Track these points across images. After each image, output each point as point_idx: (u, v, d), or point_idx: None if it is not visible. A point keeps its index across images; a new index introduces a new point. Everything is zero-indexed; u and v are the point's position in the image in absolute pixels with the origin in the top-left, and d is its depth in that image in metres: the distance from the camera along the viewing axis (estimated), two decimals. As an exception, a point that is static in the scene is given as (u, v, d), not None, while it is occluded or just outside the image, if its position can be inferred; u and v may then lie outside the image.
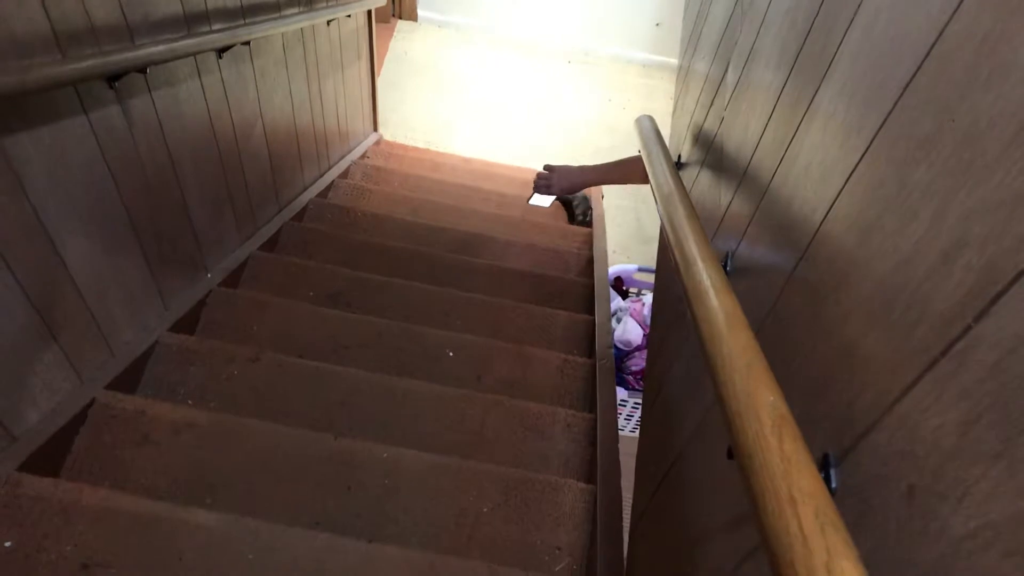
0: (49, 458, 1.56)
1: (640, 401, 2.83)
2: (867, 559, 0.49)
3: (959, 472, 0.45)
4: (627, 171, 2.60)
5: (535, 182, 2.75)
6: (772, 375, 0.65)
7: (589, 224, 3.72)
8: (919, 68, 0.63)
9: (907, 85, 0.64)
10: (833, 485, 0.61)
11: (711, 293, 0.80)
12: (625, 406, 2.92)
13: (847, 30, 0.83)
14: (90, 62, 1.42)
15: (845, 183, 0.72)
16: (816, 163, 0.83)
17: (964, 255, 0.50)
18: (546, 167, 2.87)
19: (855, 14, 0.81)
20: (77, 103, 1.49)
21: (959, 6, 0.58)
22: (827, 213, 0.76)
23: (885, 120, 0.67)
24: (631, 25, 5.88)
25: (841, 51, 0.84)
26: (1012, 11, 0.50)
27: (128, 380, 1.81)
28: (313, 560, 1.42)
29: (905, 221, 0.59)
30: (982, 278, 0.47)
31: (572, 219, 3.77)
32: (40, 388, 1.55)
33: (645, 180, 2.48)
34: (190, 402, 1.87)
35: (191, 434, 1.68)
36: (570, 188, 2.82)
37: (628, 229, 4.53)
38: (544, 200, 2.75)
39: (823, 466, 0.63)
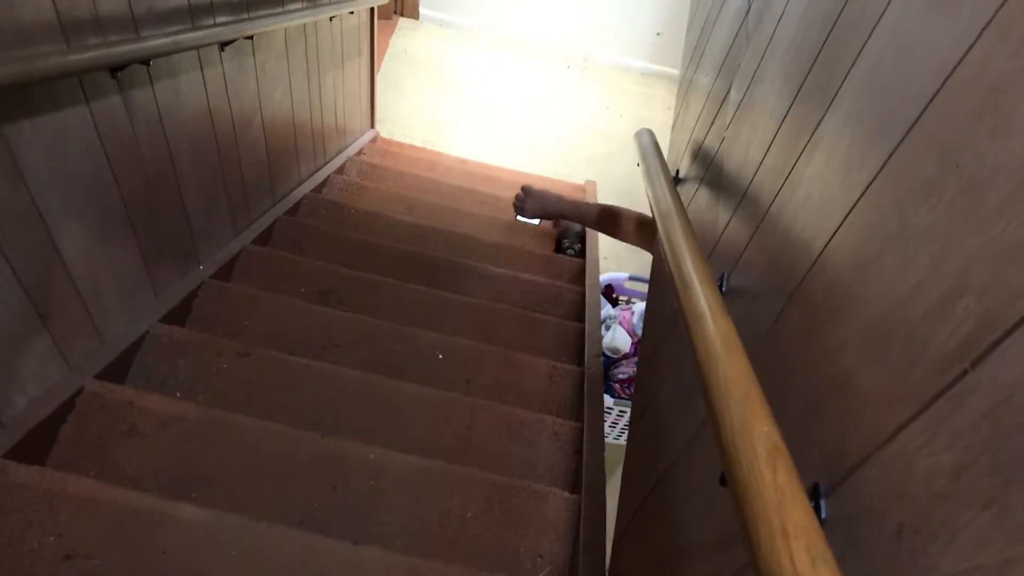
0: (35, 446, 1.56)
1: (625, 409, 2.84)
2: (855, 593, 0.51)
3: (949, 515, 0.47)
4: (612, 221, 2.56)
5: (513, 202, 2.76)
6: (767, 405, 0.66)
7: (578, 255, 3.46)
8: (924, 110, 0.64)
9: (912, 126, 0.65)
10: (823, 515, 0.63)
11: (708, 317, 0.81)
12: (611, 413, 2.93)
13: (853, 64, 0.84)
14: (95, 53, 1.42)
15: (845, 217, 0.73)
16: (817, 194, 0.84)
17: (963, 300, 0.51)
18: (524, 188, 2.86)
19: (862, 48, 0.82)
20: (79, 92, 1.49)
21: (967, 53, 0.59)
22: (826, 244, 0.77)
23: (888, 158, 0.68)
24: (632, 33, 5.90)
25: (846, 85, 0.85)
26: (1018, 67, 0.52)
27: (117, 370, 1.81)
28: (297, 560, 1.42)
29: (905, 261, 0.60)
30: (980, 325, 0.48)
31: (558, 248, 3.47)
32: (29, 375, 1.54)
33: (639, 242, 2.47)
34: (179, 394, 1.87)
35: (179, 427, 1.68)
36: (542, 214, 2.86)
37: (620, 237, 4.55)
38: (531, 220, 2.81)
39: (813, 495, 0.64)
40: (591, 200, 4.13)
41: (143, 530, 1.41)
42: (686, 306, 0.88)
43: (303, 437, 1.71)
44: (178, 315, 2.09)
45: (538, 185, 2.96)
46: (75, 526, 1.39)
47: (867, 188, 0.71)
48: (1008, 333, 0.45)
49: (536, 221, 2.88)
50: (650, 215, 1.40)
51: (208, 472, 1.64)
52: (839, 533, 0.60)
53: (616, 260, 4.23)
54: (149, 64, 1.68)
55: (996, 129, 0.52)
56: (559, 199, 2.69)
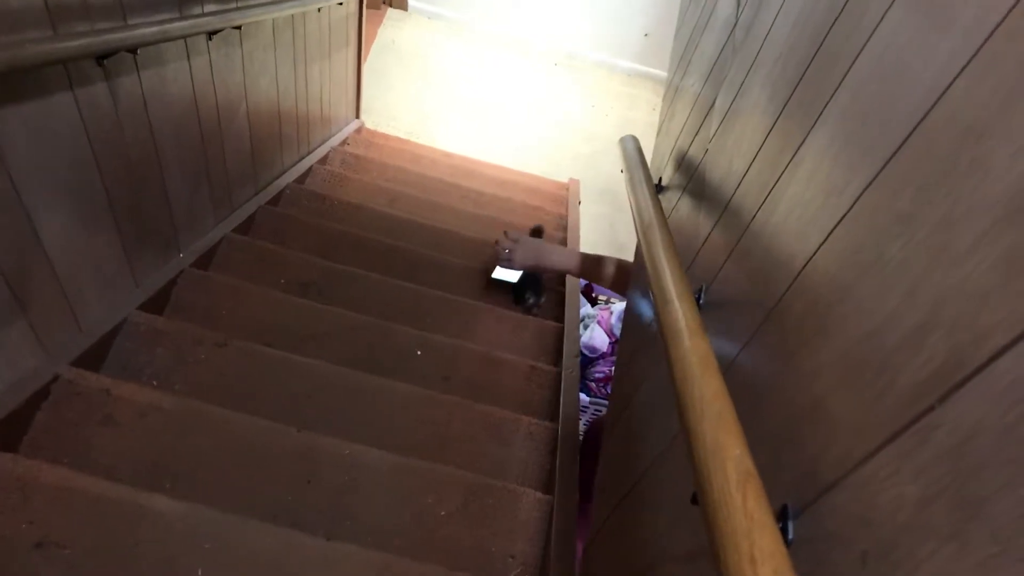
0: (9, 433, 1.55)
1: (601, 407, 2.86)
2: (819, 617, 0.52)
3: (912, 546, 0.48)
4: (595, 270, 2.41)
5: (497, 251, 2.51)
6: (740, 426, 0.67)
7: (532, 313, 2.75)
8: (904, 142, 0.65)
9: (892, 156, 0.67)
10: (790, 536, 0.64)
11: (685, 334, 0.82)
12: (586, 411, 2.95)
13: (838, 87, 0.85)
14: (82, 41, 1.41)
15: (824, 241, 0.75)
16: (797, 215, 0.86)
17: (933, 336, 0.52)
18: (508, 234, 2.60)
19: (847, 72, 0.84)
20: (65, 79, 1.48)
21: (946, 91, 0.61)
22: (804, 266, 0.78)
23: (867, 186, 0.69)
24: (619, 33, 5.91)
25: (830, 107, 0.86)
26: (994, 112, 0.53)
27: (94, 357, 1.80)
28: (270, 554, 1.43)
29: (880, 291, 0.61)
30: (948, 362, 0.50)
31: (518, 301, 2.75)
32: (4, 361, 1.53)
33: (620, 289, 2.39)
34: (155, 383, 1.86)
35: (155, 417, 1.67)
36: (535, 267, 2.57)
37: (602, 236, 4.57)
38: (511, 275, 2.49)
39: (782, 516, 0.65)
40: (573, 200, 4.14)
41: (116, 520, 1.41)
42: (664, 322, 0.89)
43: (279, 430, 1.71)
44: (157, 303, 2.08)
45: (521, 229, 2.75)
46: (48, 514, 1.39)
47: (846, 214, 0.72)
48: (975, 373, 0.47)
49: (515, 277, 2.53)
50: (629, 260, 1.39)
51: (183, 463, 1.63)
52: (805, 555, 0.61)
53: (597, 259, 4.24)
54: (136, 52, 1.67)
55: (969, 171, 0.54)
56: (554, 248, 2.46)
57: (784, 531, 0.64)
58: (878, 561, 0.51)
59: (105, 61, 1.57)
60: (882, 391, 0.57)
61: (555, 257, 2.49)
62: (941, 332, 0.52)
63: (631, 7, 5.78)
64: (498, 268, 2.39)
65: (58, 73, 1.46)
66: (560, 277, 2.99)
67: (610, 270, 2.33)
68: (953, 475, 0.46)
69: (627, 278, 2.22)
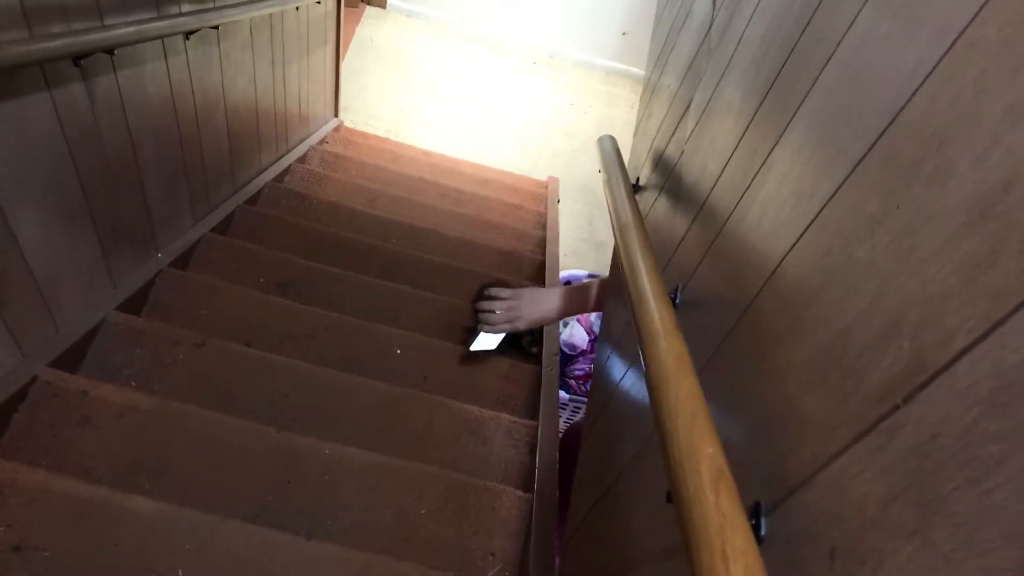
0: (-15, 435, 1.54)
1: (580, 405, 2.87)
2: (789, 612, 0.53)
3: (878, 543, 0.49)
4: (588, 297, 2.05)
5: (482, 314, 2.01)
6: (713, 426, 0.68)
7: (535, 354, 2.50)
8: (872, 147, 0.67)
9: (860, 161, 0.68)
10: (763, 533, 0.65)
11: (661, 335, 0.84)
12: (565, 409, 2.96)
13: (807, 93, 0.87)
14: (59, 42, 1.41)
15: (795, 243, 0.76)
16: (769, 217, 0.87)
17: (898, 338, 0.54)
18: (500, 286, 2.08)
19: (816, 79, 0.85)
20: (41, 79, 1.48)
21: (912, 96, 0.62)
22: (776, 267, 0.80)
23: (836, 191, 0.71)
24: (598, 32, 5.93)
25: (801, 111, 0.88)
26: (956, 119, 0.54)
27: (72, 358, 1.79)
28: (250, 554, 1.43)
29: (848, 293, 0.63)
30: (912, 364, 0.51)
31: (515, 346, 2.43)
32: (-20, 363, 1.53)
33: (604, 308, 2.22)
34: (134, 384, 1.86)
35: (133, 418, 1.67)
36: (543, 320, 2.08)
37: (581, 233, 4.59)
38: (491, 342, 2.02)
39: (754, 513, 0.67)
40: (552, 198, 4.16)
41: (96, 522, 1.41)
42: (640, 322, 0.91)
43: (258, 430, 1.71)
44: (135, 303, 2.07)
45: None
46: (26, 517, 1.38)
47: (816, 217, 0.73)
48: (937, 374, 0.48)
49: (494, 344, 2.04)
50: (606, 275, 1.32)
51: (162, 464, 1.63)
52: (777, 553, 0.62)
53: (576, 257, 4.27)
54: (113, 53, 1.66)
55: (934, 176, 0.55)
56: (562, 293, 2.01)
57: (756, 528, 0.65)
58: (846, 557, 0.53)
59: (82, 62, 1.56)
60: (850, 391, 0.58)
61: (569, 304, 2.03)
62: (906, 334, 0.53)
63: (609, 7, 5.80)
64: (480, 337, 1.97)
65: (34, 74, 1.45)
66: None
67: (594, 291, 2.04)
68: (917, 473, 0.48)
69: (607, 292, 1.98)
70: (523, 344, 2.44)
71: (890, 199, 0.61)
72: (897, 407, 0.51)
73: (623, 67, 6.04)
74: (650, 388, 0.78)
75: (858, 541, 0.52)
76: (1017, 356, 0.42)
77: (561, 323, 3.04)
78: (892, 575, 0.47)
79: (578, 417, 2.91)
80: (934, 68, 0.60)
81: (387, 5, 5.97)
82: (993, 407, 0.43)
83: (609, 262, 2.13)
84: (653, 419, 0.75)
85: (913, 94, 0.62)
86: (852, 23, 0.80)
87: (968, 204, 0.50)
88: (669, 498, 0.66)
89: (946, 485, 0.45)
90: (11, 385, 1.60)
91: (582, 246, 4.46)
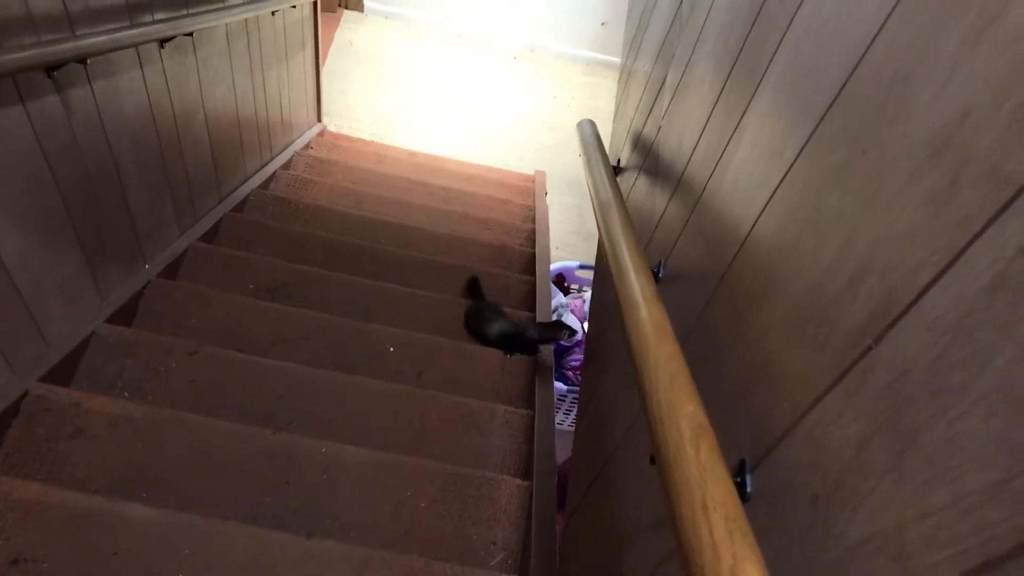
0: (-21, 452, 1.53)
1: (578, 396, 2.87)
2: (774, 562, 0.53)
3: (856, 483, 0.49)
4: None
5: None
6: (694, 386, 0.68)
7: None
8: (836, 97, 0.67)
9: (826, 112, 0.68)
10: (748, 490, 0.65)
11: (641, 304, 0.83)
12: (564, 401, 2.96)
13: (774, 53, 0.86)
14: (29, 53, 1.40)
15: (768, 202, 0.76)
16: (743, 180, 0.87)
17: (867, 281, 0.53)
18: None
19: (782, 39, 0.85)
20: (14, 92, 1.47)
21: (872, 42, 0.62)
22: (751, 229, 0.79)
23: (805, 144, 0.70)
24: (577, 23, 5.92)
25: (770, 71, 0.87)
26: (916, 54, 0.54)
27: (63, 372, 1.79)
28: (250, 555, 1.43)
29: (819, 244, 0.63)
30: (881, 304, 0.51)
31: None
32: (-31, 381, 1.52)
33: None
34: (127, 395, 1.85)
35: (127, 427, 1.66)
36: None
37: (571, 225, 4.58)
38: None
39: (739, 471, 0.67)
40: (540, 191, 4.16)
41: (93, 532, 1.40)
42: (621, 294, 0.91)
43: (254, 433, 1.71)
44: (125, 315, 2.06)
45: None
46: (23, 530, 1.38)
47: (787, 173, 0.73)
48: (905, 311, 0.48)
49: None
50: None
51: (158, 471, 1.63)
52: (763, 507, 0.62)
53: (567, 249, 4.27)
54: (86, 63, 1.65)
55: (896, 116, 0.55)
56: None
57: (743, 485, 0.65)
58: (827, 502, 0.52)
59: (55, 73, 1.55)
60: (824, 340, 0.58)
61: None
62: (875, 276, 0.53)
63: (587, -3, 5.81)
64: None
65: (6, 87, 1.44)
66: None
67: None
68: (889, 411, 0.47)
69: None
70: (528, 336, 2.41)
71: (855, 145, 0.60)
72: (869, 348, 0.51)
73: (604, 57, 6.04)
74: (632, 355, 0.78)
75: (838, 486, 0.52)
76: (979, 282, 0.42)
77: (555, 315, 3.04)
78: (870, 514, 0.47)
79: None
80: (893, 9, 0.60)
81: (365, 8, 5.96)
82: (958, 335, 0.43)
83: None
84: (636, 384, 0.75)
85: (873, 39, 0.62)
86: (814, -21, 0.80)
87: (929, 139, 0.50)
88: (653, 460, 0.66)
89: (917, 418, 0.45)
90: (3, 402, 1.59)
91: (573, 238, 4.46)
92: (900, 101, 0.55)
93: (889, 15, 0.60)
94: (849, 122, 0.63)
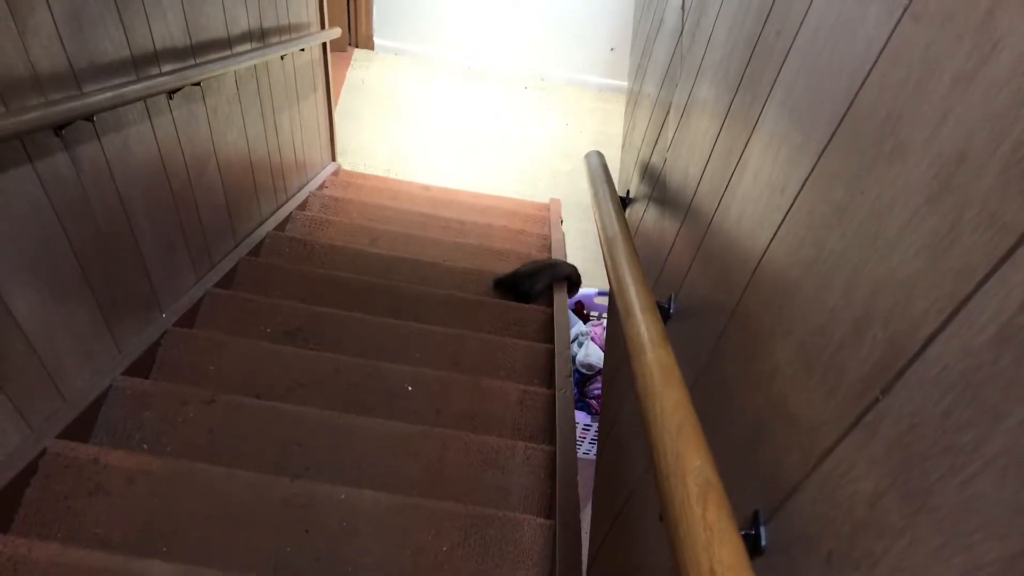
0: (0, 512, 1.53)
1: (598, 429, 2.84)
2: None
3: (869, 544, 0.47)
4: None
5: None
6: (702, 436, 0.66)
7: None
8: (834, 134, 0.65)
9: (824, 149, 0.66)
10: (763, 542, 0.63)
11: (647, 348, 0.81)
12: (589, 431, 2.93)
13: (772, 87, 0.85)
14: (35, 114, 1.41)
15: (771, 240, 0.74)
16: (747, 215, 0.85)
17: (872, 327, 0.51)
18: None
19: (779, 71, 0.84)
20: (22, 152, 1.48)
21: (866, 79, 0.60)
22: (756, 267, 0.78)
23: (806, 180, 0.69)
24: (586, 50, 5.94)
25: (768, 106, 0.86)
26: (908, 95, 0.52)
27: (81, 427, 1.78)
28: (270, 609, 1.41)
29: (822, 286, 0.61)
30: (887, 353, 0.49)
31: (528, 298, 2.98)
32: (-13, 441, 1.52)
33: None
34: (145, 447, 1.85)
35: (145, 482, 1.65)
36: None
37: (589, 253, 4.56)
38: None
39: (753, 523, 0.64)
40: (555, 219, 4.15)
41: (111, 591, 1.39)
42: (627, 335, 0.89)
43: (272, 482, 1.70)
44: (142, 366, 2.06)
45: None
46: (41, 592, 1.37)
47: (789, 210, 0.71)
48: (911, 361, 0.46)
49: None
50: None
51: (177, 525, 1.62)
52: (779, 561, 0.60)
53: (585, 276, 4.24)
54: (93, 119, 1.66)
55: (893, 154, 0.53)
56: None
57: (757, 537, 0.63)
58: (842, 560, 0.50)
59: (63, 131, 1.57)
60: (833, 387, 0.56)
61: None
62: (879, 322, 0.51)
63: (594, 24, 5.81)
64: None
65: (14, 146, 1.45)
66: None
67: None
68: (900, 467, 0.45)
69: None
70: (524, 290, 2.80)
71: (854, 184, 0.59)
72: (877, 400, 0.49)
73: (615, 82, 6.04)
74: (638, 402, 0.76)
75: (852, 544, 0.49)
76: (984, 335, 0.40)
77: (575, 344, 3.01)
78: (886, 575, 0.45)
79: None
80: (883, 47, 0.58)
81: (375, 46, 6.01)
82: (965, 391, 0.40)
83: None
84: (644, 433, 0.73)
85: (868, 74, 0.60)
86: (807, 10, 0.78)
87: (926, 180, 0.48)
88: (661, 517, 0.63)
89: (928, 477, 0.42)
90: (20, 460, 1.59)
91: (591, 265, 4.42)
92: (896, 141, 0.53)
93: (880, 53, 0.58)
94: (847, 160, 0.61)
